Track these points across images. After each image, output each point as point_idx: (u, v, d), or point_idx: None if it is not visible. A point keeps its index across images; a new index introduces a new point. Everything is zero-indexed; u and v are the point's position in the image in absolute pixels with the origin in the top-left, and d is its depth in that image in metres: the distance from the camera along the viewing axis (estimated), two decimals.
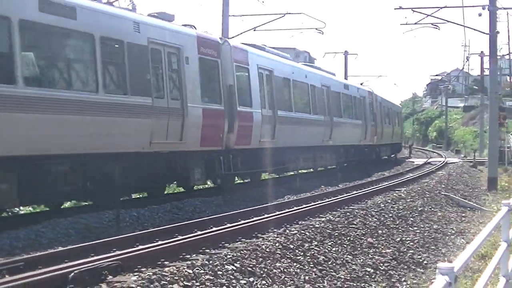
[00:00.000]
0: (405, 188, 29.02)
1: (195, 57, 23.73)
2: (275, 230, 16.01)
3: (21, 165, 16.54)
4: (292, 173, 35.17)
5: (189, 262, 11.71)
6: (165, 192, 26.22)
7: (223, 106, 25.49)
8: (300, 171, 34.60)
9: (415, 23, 43.62)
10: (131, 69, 20.15)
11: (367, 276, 14.25)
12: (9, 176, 16.12)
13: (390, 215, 21.39)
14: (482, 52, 74.95)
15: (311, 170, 40.02)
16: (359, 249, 16.28)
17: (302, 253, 14.28)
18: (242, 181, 31.20)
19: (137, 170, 20.99)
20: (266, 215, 18.28)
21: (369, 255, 15.94)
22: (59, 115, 17.29)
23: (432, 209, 24.97)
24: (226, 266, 11.85)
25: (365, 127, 48.06)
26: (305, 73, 36.51)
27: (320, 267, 13.83)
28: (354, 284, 13.38)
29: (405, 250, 17.41)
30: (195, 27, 24.61)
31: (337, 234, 16.84)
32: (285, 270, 12.90)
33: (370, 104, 50.58)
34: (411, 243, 18.31)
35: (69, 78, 18.38)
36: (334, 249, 15.48)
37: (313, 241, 15.50)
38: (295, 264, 13.50)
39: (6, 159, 15.88)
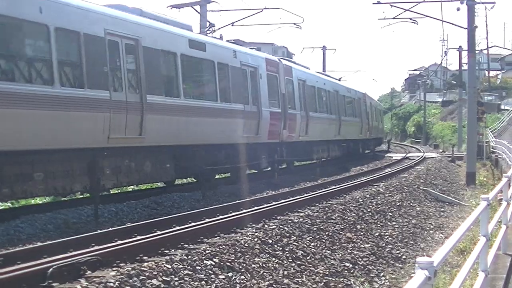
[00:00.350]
0: (383, 183, 29.15)
1: (265, 73, 32.00)
2: (254, 225, 16.06)
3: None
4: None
5: (168, 257, 11.75)
6: (144, 188, 26.26)
7: (280, 109, 33.39)
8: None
9: (393, 18, 43.74)
10: (233, 84, 28.21)
11: (346, 271, 14.32)
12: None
13: (369, 210, 21.49)
14: (460, 46, 75.06)
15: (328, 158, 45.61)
16: (337, 244, 16.35)
17: (280, 248, 14.33)
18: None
19: (231, 155, 28.15)
20: (244, 210, 18.33)
21: (348, 250, 16.02)
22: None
23: (411, 204, 25.10)
24: (205, 261, 11.89)
25: (362, 124, 55.25)
26: (324, 81, 44.35)
27: (298, 262, 13.89)
28: (333, 279, 13.45)
29: (384, 245, 17.52)
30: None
31: (315, 229, 16.92)
32: (263, 265, 12.95)
33: (364, 104, 57.57)
34: (390, 238, 18.42)
35: (204, 92, 27.27)
36: (312, 244, 15.55)
37: (292, 236, 15.56)
38: (273, 259, 13.56)
39: None
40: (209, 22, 36.70)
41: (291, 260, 13.85)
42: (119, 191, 25.26)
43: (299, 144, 36.98)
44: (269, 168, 34.23)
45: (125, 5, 22.99)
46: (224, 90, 27.43)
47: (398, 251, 17.14)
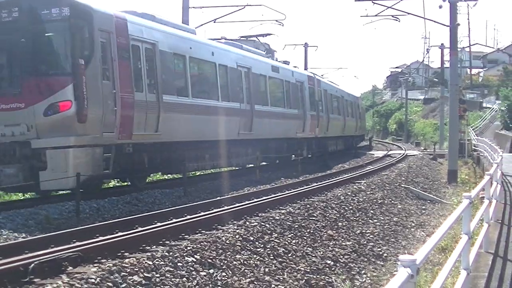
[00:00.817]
0: (365, 181, 29.23)
1: (307, 86, 43.67)
2: (235, 222, 16.10)
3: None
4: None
5: (149, 254, 11.78)
6: (126, 184, 26.24)
7: (316, 112, 45.13)
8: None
9: (375, 15, 43.97)
10: (292, 95, 40.32)
11: (327, 269, 14.40)
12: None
13: (350, 207, 21.57)
14: (442, 44, 75.37)
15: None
16: (319, 241, 16.43)
17: (262, 245, 14.40)
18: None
19: (288, 146, 40.41)
20: (226, 207, 18.37)
21: (329, 248, 16.10)
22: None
23: (392, 201, 25.21)
24: (186, 258, 11.95)
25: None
26: (335, 89, 56.59)
27: (280, 259, 13.96)
28: (314, 276, 13.52)
29: (365, 242, 17.60)
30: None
31: (297, 226, 16.99)
32: (245, 262, 13.01)
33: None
34: (371, 236, 18.51)
35: (280, 102, 38.64)
36: (294, 241, 15.62)
37: (273, 233, 15.62)
38: (255, 256, 13.62)
39: None
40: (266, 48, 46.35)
41: (272, 257, 13.91)
42: (103, 186, 25.26)
43: (323, 139, 48.74)
44: (310, 156, 45.47)
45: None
46: (289, 100, 39.59)
47: (379, 249, 17.23)
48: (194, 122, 26.16)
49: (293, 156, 41.92)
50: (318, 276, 13.65)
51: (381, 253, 16.84)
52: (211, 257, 12.43)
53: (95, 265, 10.87)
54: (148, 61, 23.12)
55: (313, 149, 46.34)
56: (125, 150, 21.83)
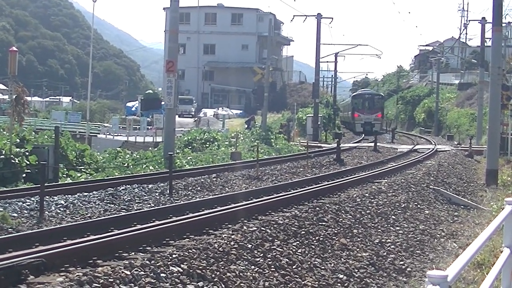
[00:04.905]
0: (386, 180, 29.24)
1: None
2: (230, 225, 16.14)
3: None
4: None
5: (127, 262, 11.79)
6: (99, 177, 26.28)
7: None
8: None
9: None
10: None
11: (339, 284, 14.42)
12: None
13: (368, 211, 21.59)
14: (483, 18, 75.23)
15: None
16: (329, 251, 16.45)
17: (261, 254, 14.42)
18: None
19: None
20: (219, 208, 18.40)
21: (342, 259, 16.11)
22: None
23: (418, 206, 25.20)
24: (171, 268, 11.96)
25: None
26: None
27: (282, 272, 13.97)
28: None
29: (385, 254, 17.61)
30: None
31: (303, 232, 17.00)
32: (240, 274, 13.03)
33: None
34: (392, 246, 18.52)
35: None
36: (300, 250, 15.64)
37: (275, 240, 15.64)
38: (253, 267, 13.64)
39: None
40: None
41: (273, 269, 13.93)
42: (69, 180, 25.29)
43: None
44: None
45: None
46: None
47: (402, 262, 17.24)
48: None
49: None
50: None
51: (404, 267, 16.85)
52: (200, 267, 12.44)
53: (62, 274, 10.91)
54: None
55: None
56: None
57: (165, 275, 11.59)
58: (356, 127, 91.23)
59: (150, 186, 23.85)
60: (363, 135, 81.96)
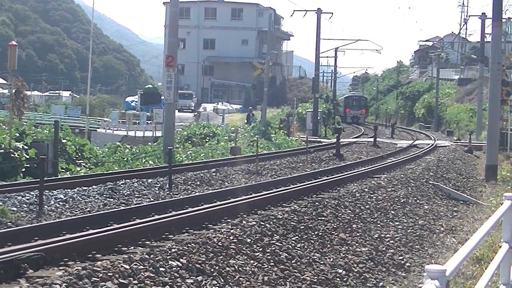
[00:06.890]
0: (385, 175, 29.24)
1: None
2: (229, 220, 16.14)
3: None
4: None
5: (126, 256, 11.77)
6: (102, 172, 26.28)
7: None
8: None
9: None
10: None
11: (338, 279, 14.40)
12: None
13: (367, 206, 21.58)
14: (483, 13, 75.19)
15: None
16: (329, 246, 16.44)
17: (260, 249, 14.41)
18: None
19: None
20: (218, 202, 18.40)
21: (341, 254, 16.11)
22: None
23: (418, 201, 25.19)
24: (170, 262, 11.95)
25: None
26: None
27: (282, 266, 13.97)
28: None
29: (384, 249, 17.60)
30: None
31: (303, 227, 17.00)
32: (240, 268, 13.03)
33: None
34: (392, 241, 18.51)
35: None
36: (299, 245, 15.63)
37: (275, 235, 15.64)
38: (252, 261, 13.63)
39: None
40: None
41: (272, 264, 13.92)
42: (69, 174, 25.30)
43: None
44: None
45: None
46: None
47: (401, 257, 17.22)
48: None
49: None
50: None
51: (403, 262, 16.84)
52: (199, 261, 12.44)
53: (61, 268, 10.90)
54: None
55: None
56: None
57: (164, 269, 11.59)
58: (347, 119, 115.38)
59: (149, 180, 23.86)
60: (353, 123, 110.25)
